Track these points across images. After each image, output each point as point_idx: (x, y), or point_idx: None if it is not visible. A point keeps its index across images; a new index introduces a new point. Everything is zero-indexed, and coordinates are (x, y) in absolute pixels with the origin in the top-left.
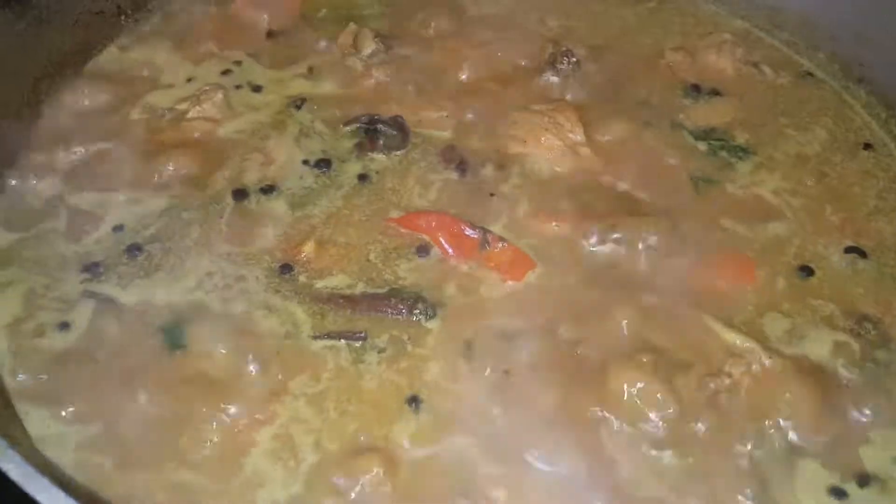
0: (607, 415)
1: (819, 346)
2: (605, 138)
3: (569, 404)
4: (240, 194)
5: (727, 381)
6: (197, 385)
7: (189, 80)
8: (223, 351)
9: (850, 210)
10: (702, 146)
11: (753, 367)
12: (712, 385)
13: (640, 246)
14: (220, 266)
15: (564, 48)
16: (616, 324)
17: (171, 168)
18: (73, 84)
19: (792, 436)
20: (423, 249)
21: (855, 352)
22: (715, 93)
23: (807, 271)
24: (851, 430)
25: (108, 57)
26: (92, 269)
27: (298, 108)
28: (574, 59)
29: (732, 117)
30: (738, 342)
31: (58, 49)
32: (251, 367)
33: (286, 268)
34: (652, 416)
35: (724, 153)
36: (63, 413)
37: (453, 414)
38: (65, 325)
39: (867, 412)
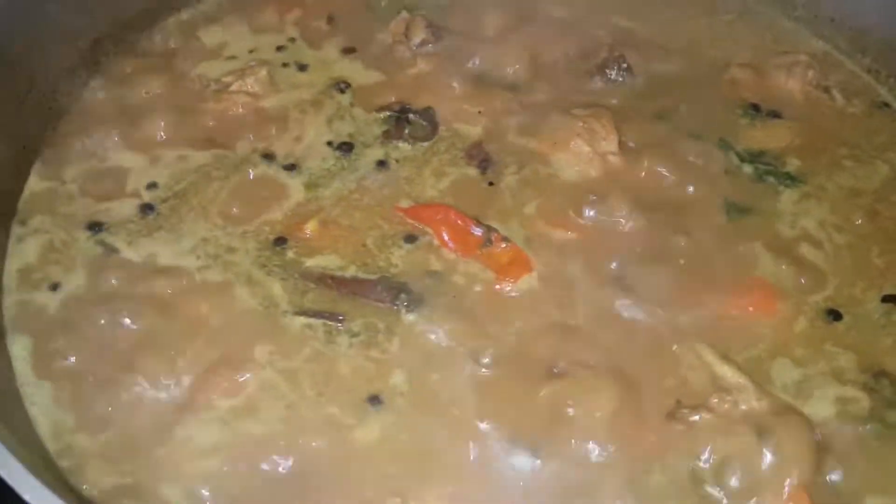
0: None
1: (823, 402)
2: (641, 149)
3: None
4: (265, 160)
5: (707, 415)
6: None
7: (235, 56)
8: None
9: None
10: (747, 169)
11: (741, 406)
12: (691, 418)
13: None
14: (215, 235)
15: (617, 54)
16: (596, 343)
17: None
18: (132, 49)
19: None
20: (421, 240)
21: (864, 408)
22: (775, 115)
23: (834, 315)
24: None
25: (170, 26)
26: (95, 227)
27: (342, 91)
28: (624, 66)
29: (788, 142)
30: (729, 376)
31: (122, 13)
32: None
33: (280, 240)
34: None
35: (770, 178)
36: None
37: (408, 412)
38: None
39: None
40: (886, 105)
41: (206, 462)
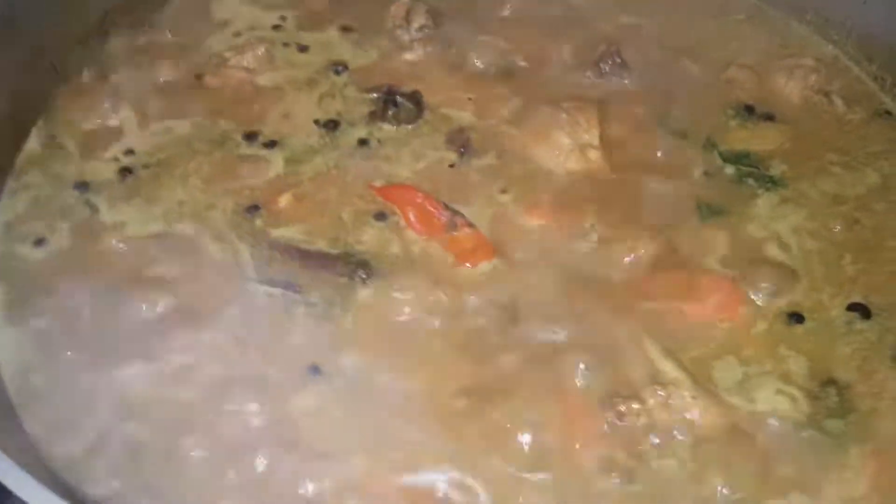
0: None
1: (763, 404)
2: (623, 145)
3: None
4: (248, 139)
5: (635, 406)
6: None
7: (240, 33)
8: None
9: (872, 264)
10: (728, 170)
11: (671, 401)
12: (621, 408)
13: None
14: (194, 196)
15: (613, 48)
16: (545, 327)
17: (194, 105)
18: (141, 21)
19: None
20: (390, 219)
21: (803, 414)
22: (768, 117)
23: (796, 318)
24: None
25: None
26: (82, 187)
27: (338, 73)
28: (618, 61)
29: (777, 146)
30: (668, 370)
31: None
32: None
33: (253, 208)
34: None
35: (750, 180)
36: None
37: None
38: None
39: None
40: (888, 113)
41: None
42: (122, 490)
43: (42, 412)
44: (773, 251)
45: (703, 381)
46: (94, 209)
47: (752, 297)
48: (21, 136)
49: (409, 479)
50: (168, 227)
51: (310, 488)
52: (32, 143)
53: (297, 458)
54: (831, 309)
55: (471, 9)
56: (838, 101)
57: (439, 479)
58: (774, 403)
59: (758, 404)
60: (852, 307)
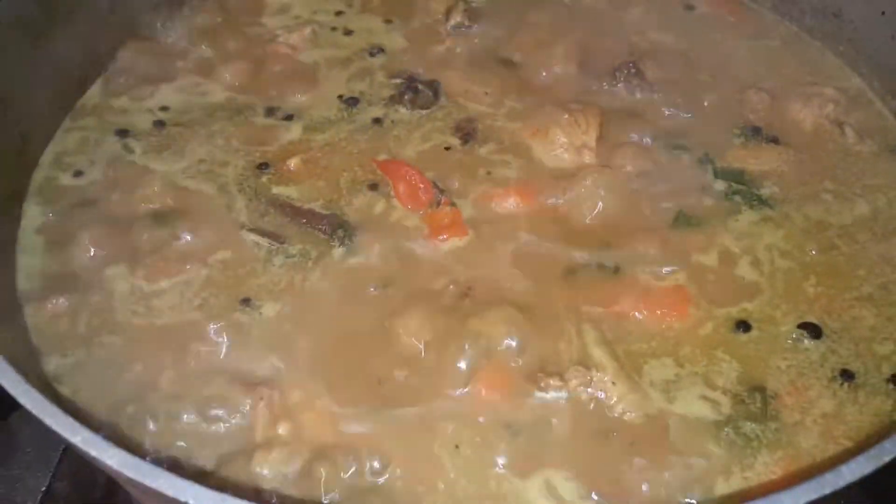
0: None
1: (684, 401)
2: (619, 150)
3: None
4: (270, 112)
5: (557, 382)
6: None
7: (299, 16)
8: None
9: (836, 288)
10: (719, 185)
11: (592, 385)
12: (543, 384)
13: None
14: (213, 152)
15: (631, 59)
16: (494, 299)
17: (227, 75)
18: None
19: None
20: (379, 189)
21: (721, 414)
22: (773, 140)
23: (744, 327)
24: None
25: None
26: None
27: (373, 55)
28: (633, 72)
29: (773, 167)
30: (596, 356)
31: None
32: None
33: (263, 166)
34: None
35: (737, 197)
36: None
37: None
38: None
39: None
40: None
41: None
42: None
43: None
44: (738, 263)
45: (629, 372)
46: (130, 151)
47: (703, 300)
48: (85, 85)
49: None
50: (187, 176)
51: None
52: (93, 93)
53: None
54: (782, 324)
55: (506, 12)
56: (850, 133)
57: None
58: (692, 408)
59: (676, 404)
60: (803, 326)
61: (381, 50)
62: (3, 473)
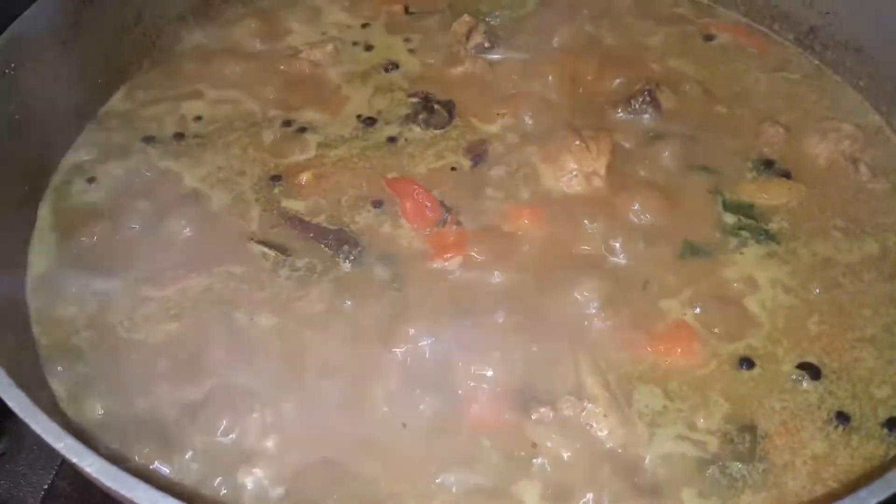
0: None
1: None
2: (629, 179)
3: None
4: (287, 123)
5: (551, 413)
6: None
7: (325, 31)
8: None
9: (838, 328)
10: (727, 218)
11: (585, 413)
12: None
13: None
14: (230, 162)
15: (648, 87)
16: (493, 337)
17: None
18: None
19: None
20: (384, 206)
21: (709, 453)
22: (785, 174)
23: (748, 364)
24: None
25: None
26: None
27: (387, 70)
28: (648, 100)
29: (784, 202)
30: (589, 385)
31: None
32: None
33: (276, 178)
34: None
35: (744, 232)
36: None
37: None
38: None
39: None
40: None
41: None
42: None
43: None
44: (742, 298)
45: (622, 403)
46: (150, 159)
47: (708, 336)
48: (108, 93)
49: None
50: (203, 184)
51: None
52: (116, 102)
53: None
54: (783, 363)
55: (526, 35)
56: (864, 170)
57: None
58: (669, 448)
59: (663, 434)
60: (803, 366)
61: (396, 66)
62: (9, 469)
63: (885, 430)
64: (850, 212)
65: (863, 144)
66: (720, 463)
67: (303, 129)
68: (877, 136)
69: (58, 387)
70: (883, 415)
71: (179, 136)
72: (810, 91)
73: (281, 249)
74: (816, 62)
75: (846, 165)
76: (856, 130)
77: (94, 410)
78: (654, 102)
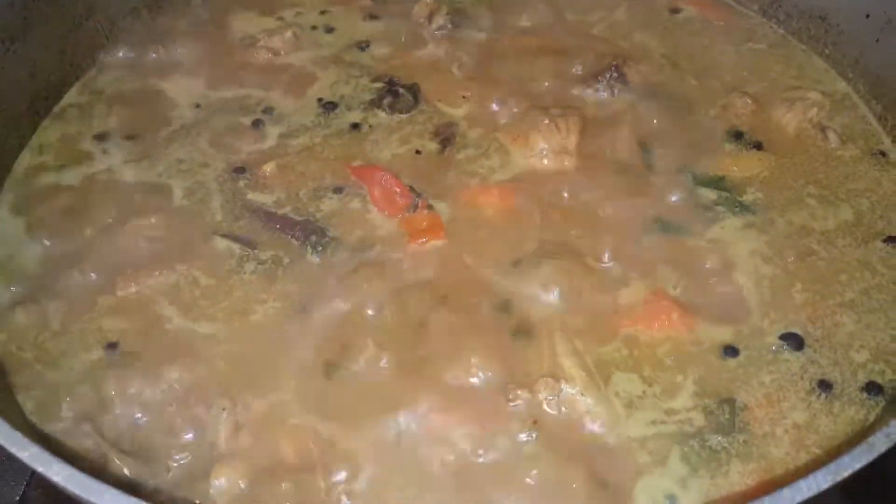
0: None
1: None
2: (598, 155)
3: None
4: (248, 112)
5: (526, 394)
6: None
7: (282, 17)
8: None
9: (820, 295)
10: (699, 191)
11: (562, 395)
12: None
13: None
14: (192, 156)
15: (615, 63)
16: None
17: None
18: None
19: None
20: (349, 194)
21: (692, 426)
22: (757, 146)
23: (732, 351)
24: None
25: None
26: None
27: (363, 49)
28: (616, 76)
29: (756, 173)
30: (566, 367)
31: None
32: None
33: (239, 170)
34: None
35: (720, 208)
36: None
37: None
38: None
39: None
40: (882, 154)
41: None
42: None
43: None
44: (723, 273)
45: (599, 385)
46: (107, 155)
47: (694, 317)
48: (63, 89)
49: None
50: (164, 176)
51: None
52: (71, 97)
53: None
54: (767, 335)
55: (489, 15)
56: (833, 137)
57: None
58: (649, 425)
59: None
60: (785, 336)
61: (368, 44)
62: None
63: (865, 395)
64: (821, 179)
65: (830, 112)
66: (700, 437)
67: (264, 117)
68: (843, 103)
69: (23, 397)
70: (862, 379)
71: (137, 128)
72: (776, 61)
73: (246, 243)
74: (781, 32)
75: (815, 133)
76: (823, 98)
77: (61, 419)
78: (622, 78)
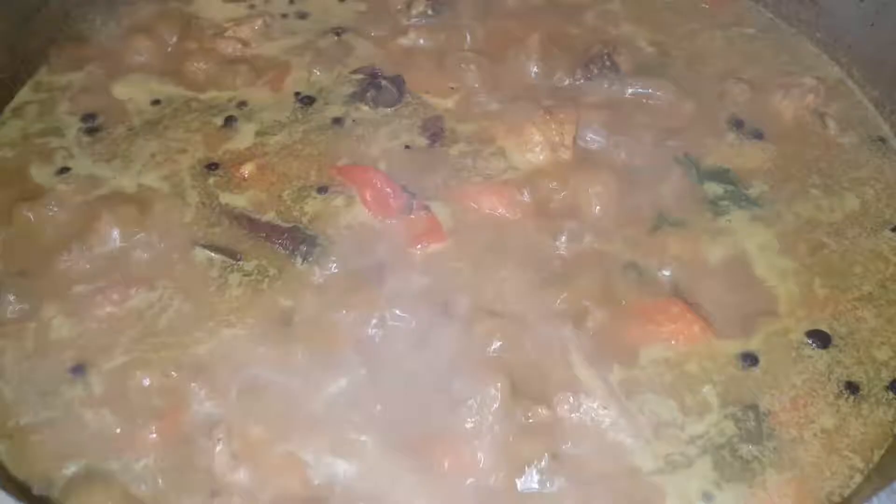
0: None
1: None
2: (595, 149)
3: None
4: (219, 112)
5: (544, 412)
6: None
7: (253, 5)
8: None
9: (838, 289)
10: (704, 185)
11: (583, 408)
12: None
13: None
14: (166, 153)
15: (605, 51)
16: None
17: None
18: None
19: None
20: (334, 195)
21: (725, 436)
22: (757, 135)
23: (751, 360)
24: None
25: None
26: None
27: (339, 35)
28: (608, 64)
29: (759, 165)
30: (583, 378)
31: None
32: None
33: (213, 170)
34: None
35: (725, 203)
36: None
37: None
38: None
39: None
40: (882, 140)
41: None
42: None
43: None
44: (739, 272)
45: (620, 396)
46: (70, 157)
47: (706, 318)
48: (15, 86)
49: None
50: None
51: None
52: (24, 95)
53: None
54: (790, 333)
55: (473, 1)
56: (832, 124)
57: None
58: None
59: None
60: (812, 334)
61: (344, 30)
62: None
63: (892, 394)
64: (824, 168)
65: (826, 98)
66: (730, 447)
67: (236, 113)
68: (839, 89)
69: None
70: (886, 377)
71: (95, 130)
72: (766, 46)
73: (229, 253)
74: (770, 15)
75: (813, 121)
76: (817, 84)
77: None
78: (614, 66)
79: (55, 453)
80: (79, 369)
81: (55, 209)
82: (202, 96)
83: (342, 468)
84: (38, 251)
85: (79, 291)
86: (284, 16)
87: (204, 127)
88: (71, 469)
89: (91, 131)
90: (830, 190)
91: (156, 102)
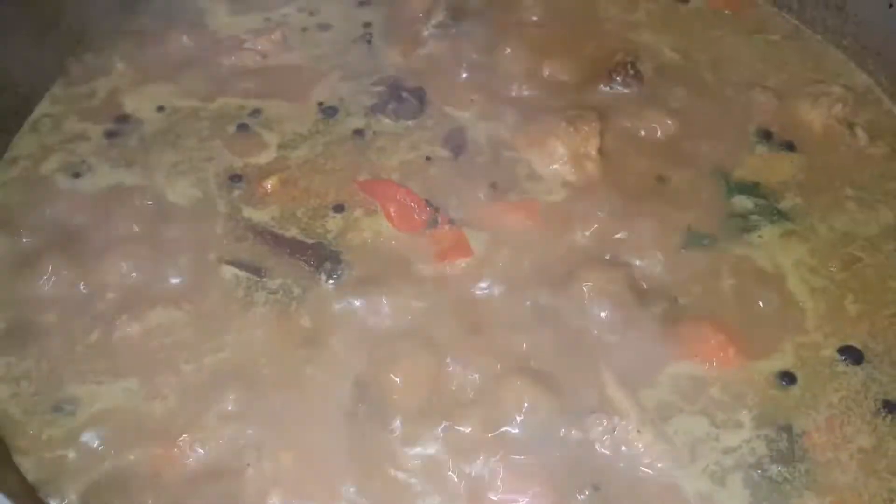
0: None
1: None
2: (621, 160)
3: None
4: (242, 127)
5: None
6: None
7: (269, 18)
8: None
9: (872, 305)
10: (734, 199)
11: (616, 431)
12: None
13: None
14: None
15: (628, 60)
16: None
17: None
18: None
19: None
20: (352, 211)
21: (756, 456)
22: (788, 146)
23: (788, 379)
24: None
25: None
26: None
27: (359, 45)
28: (632, 73)
29: (791, 177)
30: (616, 400)
31: None
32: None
33: (237, 182)
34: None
35: (754, 214)
36: None
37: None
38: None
39: None
40: None
41: None
42: None
43: None
44: (772, 289)
45: (654, 419)
46: (89, 170)
47: (740, 341)
48: (35, 98)
49: None
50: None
51: None
52: (44, 108)
53: None
54: (823, 350)
55: (492, 10)
56: (861, 134)
57: None
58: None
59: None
60: (844, 350)
61: (371, 34)
62: None
63: None
64: (857, 179)
65: (854, 107)
66: (762, 468)
67: (256, 125)
68: (867, 97)
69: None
70: None
71: (113, 136)
72: (791, 53)
73: (252, 270)
74: (794, 21)
75: (842, 131)
76: (846, 92)
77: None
78: (637, 74)
79: None
80: None
81: None
82: (220, 108)
83: None
84: None
85: None
86: (304, 29)
87: (224, 139)
88: None
89: (111, 137)
90: (864, 202)
91: (176, 114)
